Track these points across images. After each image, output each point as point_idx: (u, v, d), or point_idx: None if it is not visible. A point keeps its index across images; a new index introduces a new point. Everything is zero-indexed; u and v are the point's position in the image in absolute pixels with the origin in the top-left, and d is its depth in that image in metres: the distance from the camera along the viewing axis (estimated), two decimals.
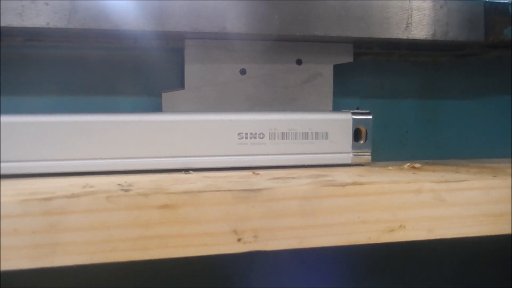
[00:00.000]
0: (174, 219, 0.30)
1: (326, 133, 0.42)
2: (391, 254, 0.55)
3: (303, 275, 0.54)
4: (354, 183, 0.33)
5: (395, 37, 0.42)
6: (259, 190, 0.32)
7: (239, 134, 0.40)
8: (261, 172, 0.39)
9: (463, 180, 0.35)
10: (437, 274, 0.57)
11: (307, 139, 0.42)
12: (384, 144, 0.51)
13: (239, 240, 0.31)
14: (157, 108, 0.45)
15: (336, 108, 0.48)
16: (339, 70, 0.47)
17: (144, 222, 0.30)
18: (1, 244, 0.28)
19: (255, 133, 0.40)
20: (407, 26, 0.43)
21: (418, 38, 0.43)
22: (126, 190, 0.31)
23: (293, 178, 0.36)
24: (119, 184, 0.33)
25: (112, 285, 0.46)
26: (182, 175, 0.38)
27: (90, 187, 0.32)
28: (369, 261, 0.55)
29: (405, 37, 0.43)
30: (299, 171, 0.40)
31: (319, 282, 0.54)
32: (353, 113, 0.43)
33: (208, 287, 0.51)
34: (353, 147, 0.43)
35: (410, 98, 0.53)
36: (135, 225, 0.30)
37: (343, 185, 0.33)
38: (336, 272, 0.55)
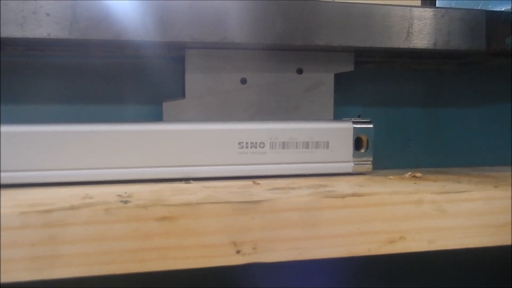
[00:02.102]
0: (173, 231, 0.30)
1: (326, 142, 0.42)
2: (392, 264, 0.55)
3: (303, 283, 0.54)
4: (354, 194, 0.33)
5: (396, 46, 0.42)
6: (259, 201, 0.31)
7: (239, 143, 0.40)
8: (261, 181, 0.39)
9: (464, 191, 0.35)
10: (438, 285, 0.57)
11: (308, 148, 0.41)
12: (386, 152, 0.51)
13: (238, 252, 0.31)
14: (157, 117, 0.45)
15: (339, 117, 0.48)
16: (341, 79, 0.47)
17: (143, 234, 0.30)
18: (0, 257, 0.28)
19: (256, 142, 0.40)
20: (408, 35, 0.42)
21: (419, 47, 0.43)
22: (125, 202, 0.31)
23: (293, 188, 0.36)
24: (118, 195, 0.33)
25: None
26: (182, 185, 0.38)
27: (90, 198, 0.32)
28: (369, 270, 0.55)
29: (406, 46, 0.43)
30: (299, 180, 0.40)
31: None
32: (354, 122, 0.43)
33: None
34: (354, 156, 0.43)
35: (413, 106, 0.53)
36: (134, 237, 0.30)
37: (343, 196, 0.33)
38: (337, 281, 0.54)
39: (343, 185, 0.37)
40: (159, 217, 0.30)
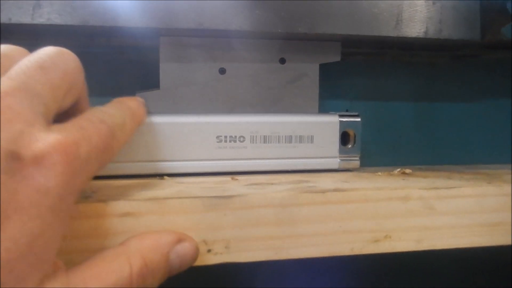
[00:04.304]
0: (137, 229, 0.28)
1: (311, 136, 0.40)
2: (383, 264, 0.53)
3: (292, 279, 0.52)
4: (336, 190, 0.31)
5: (384, 34, 0.40)
6: (231, 197, 0.29)
7: (217, 137, 0.38)
8: (240, 177, 0.37)
9: (454, 187, 0.33)
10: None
11: (291, 142, 0.39)
12: (375, 149, 0.49)
13: (209, 251, 0.29)
14: None
15: (325, 111, 0.45)
16: (327, 71, 0.45)
17: (103, 231, 0.28)
18: None
19: (235, 137, 0.38)
20: (397, 23, 0.40)
21: (409, 36, 0.41)
22: (86, 197, 0.28)
23: (272, 184, 0.34)
24: (82, 191, 0.31)
25: None
26: (155, 181, 0.35)
27: None
28: (358, 270, 0.53)
29: (395, 35, 0.40)
30: (281, 176, 0.38)
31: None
32: (340, 116, 0.40)
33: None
34: (340, 151, 0.40)
35: (404, 100, 0.51)
36: (94, 235, 0.27)
37: (324, 191, 0.31)
38: (328, 280, 0.52)
39: (326, 181, 0.35)
40: (121, 213, 0.28)
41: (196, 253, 0.28)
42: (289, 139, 0.39)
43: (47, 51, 0.25)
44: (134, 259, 0.25)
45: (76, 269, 0.24)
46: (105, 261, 0.25)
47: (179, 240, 0.28)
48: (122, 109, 0.30)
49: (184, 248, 0.28)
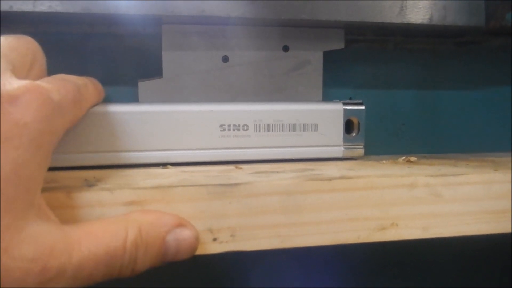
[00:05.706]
0: None
1: (315, 124, 0.39)
2: (388, 253, 0.52)
3: (295, 275, 0.52)
4: (341, 177, 0.31)
5: (388, 21, 0.40)
6: (236, 185, 0.29)
7: (221, 126, 0.37)
8: (245, 166, 0.37)
9: (461, 174, 0.32)
10: (435, 275, 0.55)
11: (295, 131, 0.39)
12: (379, 137, 0.49)
13: (214, 239, 0.29)
14: (133, 98, 0.42)
15: (328, 99, 0.45)
16: (330, 58, 0.45)
17: None
18: None
19: (239, 125, 0.38)
20: (402, 9, 0.40)
21: (413, 22, 0.40)
22: (90, 186, 0.28)
23: (277, 172, 0.34)
24: (86, 180, 0.30)
25: None
26: (158, 170, 0.35)
27: (54, 182, 0.29)
28: (363, 260, 0.53)
29: (399, 21, 0.40)
30: (285, 165, 0.37)
31: (313, 282, 0.52)
32: (345, 104, 0.40)
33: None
34: (345, 139, 0.40)
35: (407, 88, 0.50)
36: None
37: (329, 179, 0.30)
38: (329, 272, 0.52)
39: (331, 169, 0.35)
40: (126, 201, 0.28)
41: (195, 243, 0.28)
42: (293, 128, 0.39)
43: (9, 35, 0.28)
44: (132, 228, 0.26)
45: (72, 224, 0.25)
46: (103, 223, 0.26)
47: (180, 225, 0.28)
48: (81, 77, 0.32)
49: (183, 234, 0.28)
